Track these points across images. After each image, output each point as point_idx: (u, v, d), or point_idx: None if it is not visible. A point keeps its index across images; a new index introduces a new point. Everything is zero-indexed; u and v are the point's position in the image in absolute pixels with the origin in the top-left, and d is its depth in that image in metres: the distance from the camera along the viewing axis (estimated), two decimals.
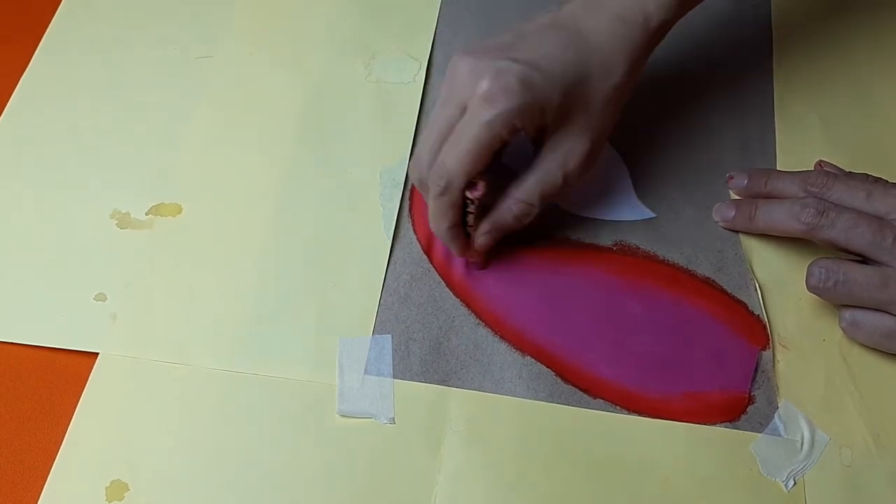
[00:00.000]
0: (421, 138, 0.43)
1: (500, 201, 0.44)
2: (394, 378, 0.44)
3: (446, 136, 0.41)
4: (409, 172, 0.44)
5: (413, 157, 0.44)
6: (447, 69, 0.42)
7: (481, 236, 0.44)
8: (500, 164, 0.44)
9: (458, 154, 0.41)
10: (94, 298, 0.46)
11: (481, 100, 0.40)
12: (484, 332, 0.45)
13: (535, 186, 0.43)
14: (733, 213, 0.47)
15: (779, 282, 0.46)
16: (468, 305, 0.46)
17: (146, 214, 0.49)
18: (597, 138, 0.44)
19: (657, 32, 0.44)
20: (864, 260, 0.42)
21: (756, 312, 0.45)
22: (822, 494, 0.41)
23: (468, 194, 0.42)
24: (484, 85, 0.40)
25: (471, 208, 0.43)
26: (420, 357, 0.44)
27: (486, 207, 0.44)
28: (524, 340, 0.45)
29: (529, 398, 0.43)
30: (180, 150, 0.51)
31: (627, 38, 0.43)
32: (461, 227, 0.44)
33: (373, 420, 0.43)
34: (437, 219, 0.43)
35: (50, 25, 0.57)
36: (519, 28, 0.44)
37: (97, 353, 0.45)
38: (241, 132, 0.52)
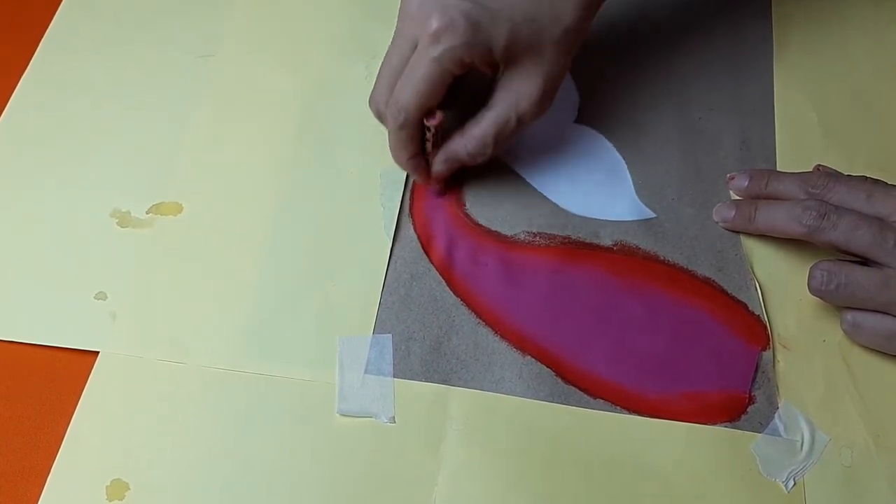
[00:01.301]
0: (378, 73, 0.45)
1: (457, 135, 0.46)
2: (394, 377, 0.44)
3: (400, 70, 0.43)
4: (369, 106, 0.46)
5: (372, 91, 0.46)
6: (400, 3, 0.44)
7: (437, 164, 0.47)
8: (465, 92, 0.46)
9: (411, 89, 0.42)
10: (95, 297, 0.46)
11: (429, 36, 0.41)
12: (484, 332, 0.45)
13: (488, 126, 0.45)
14: (733, 213, 0.47)
15: (779, 282, 0.46)
16: (468, 305, 0.46)
17: (146, 213, 0.49)
18: (549, 80, 0.44)
19: None
20: (864, 262, 0.42)
21: (756, 312, 0.45)
22: (822, 495, 0.41)
23: (426, 122, 0.44)
24: (432, 22, 0.41)
25: (428, 136, 0.45)
26: (420, 356, 0.44)
27: (446, 134, 0.46)
28: (524, 340, 0.45)
29: (529, 398, 0.43)
30: (180, 149, 0.51)
31: None
32: (421, 157, 0.46)
33: (373, 419, 0.43)
34: (397, 150, 0.46)
35: (50, 25, 0.57)
36: None
37: (97, 352, 0.45)
38: (241, 132, 0.52)
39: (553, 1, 0.43)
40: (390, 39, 0.53)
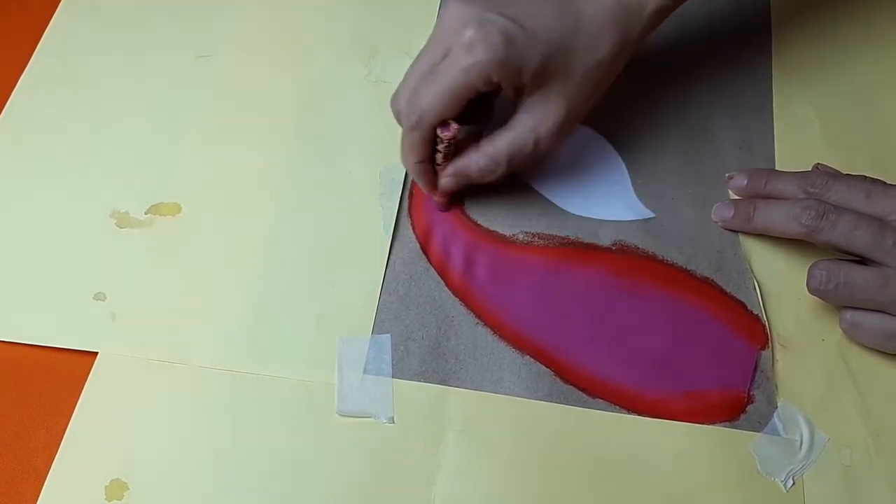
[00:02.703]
0: (405, 75, 0.44)
1: (469, 151, 0.45)
2: (393, 377, 0.44)
3: (426, 75, 0.43)
4: (390, 105, 0.45)
5: (394, 92, 0.45)
6: (439, 14, 0.43)
7: (445, 178, 0.46)
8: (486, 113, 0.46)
9: (432, 94, 0.42)
10: (94, 298, 0.46)
11: (462, 47, 0.41)
12: (483, 332, 0.45)
13: (504, 146, 0.44)
14: (732, 213, 0.47)
15: (778, 281, 0.46)
16: (467, 305, 0.46)
17: (145, 214, 0.49)
18: (573, 109, 0.44)
19: (653, 18, 0.44)
20: (863, 261, 0.42)
21: (755, 312, 0.45)
22: (820, 494, 0.41)
23: (439, 133, 0.43)
24: (467, 33, 0.40)
25: (440, 147, 0.44)
26: (419, 356, 0.44)
27: (457, 151, 0.45)
28: (523, 340, 0.45)
29: (528, 398, 0.43)
30: (179, 149, 0.51)
31: (620, 18, 0.43)
32: (429, 164, 0.45)
33: (372, 419, 0.43)
34: (407, 152, 0.45)
35: (49, 25, 0.57)
36: None
37: (96, 353, 0.45)
38: (241, 132, 0.52)
39: (591, 31, 0.43)
40: (390, 39, 0.53)
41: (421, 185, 0.47)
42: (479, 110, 0.45)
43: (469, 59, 0.40)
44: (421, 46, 0.44)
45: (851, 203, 0.43)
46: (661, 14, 0.45)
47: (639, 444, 0.42)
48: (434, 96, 0.42)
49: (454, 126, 0.43)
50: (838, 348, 0.44)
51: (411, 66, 0.44)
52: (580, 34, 0.43)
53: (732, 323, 0.45)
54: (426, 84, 0.42)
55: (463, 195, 0.49)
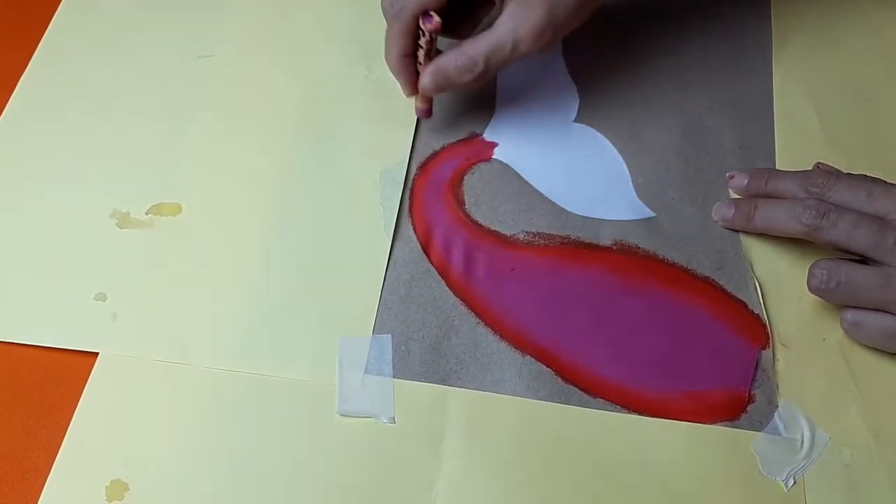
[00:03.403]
0: None
1: (449, 50, 0.47)
2: (394, 377, 0.44)
3: None
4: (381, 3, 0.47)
5: None
6: None
7: (425, 76, 0.47)
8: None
9: None
10: (95, 298, 0.46)
11: None
12: (484, 332, 0.45)
13: (483, 45, 0.45)
14: (732, 212, 0.47)
15: (779, 281, 0.46)
16: (468, 305, 0.46)
17: (146, 214, 0.49)
18: (554, 16, 0.45)
19: None
20: (864, 260, 0.42)
21: (756, 311, 0.45)
22: (822, 493, 0.41)
23: (421, 24, 0.44)
24: None
25: (422, 42, 0.45)
26: (420, 356, 0.44)
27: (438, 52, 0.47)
28: (524, 340, 0.45)
29: (529, 397, 0.43)
30: (180, 149, 0.51)
31: None
32: (411, 60, 0.47)
33: (373, 420, 0.43)
34: (390, 45, 0.47)
35: (49, 25, 0.57)
36: None
37: (97, 353, 0.45)
38: (241, 132, 0.52)
39: None
40: None
41: (401, 83, 0.48)
42: (467, 24, 0.47)
43: None
44: None
45: (852, 202, 0.43)
46: None
47: (640, 443, 0.42)
48: None
49: (436, 18, 0.44)
50: (839, 348, 0.44)
51: None
52: None
53: (733, 322, 0.45)
54: None
55: (462, 193, 0.49)
